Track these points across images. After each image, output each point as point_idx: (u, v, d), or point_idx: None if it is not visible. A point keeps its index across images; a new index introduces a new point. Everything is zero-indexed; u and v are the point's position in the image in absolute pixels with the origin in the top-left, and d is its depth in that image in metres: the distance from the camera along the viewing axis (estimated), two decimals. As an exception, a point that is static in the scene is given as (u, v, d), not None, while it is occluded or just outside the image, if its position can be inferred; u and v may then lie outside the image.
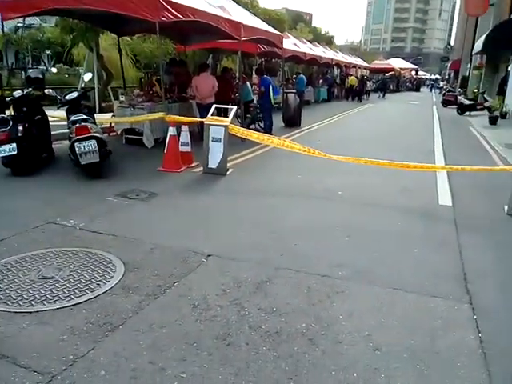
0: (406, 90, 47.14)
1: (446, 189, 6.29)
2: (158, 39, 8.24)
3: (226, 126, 6.51)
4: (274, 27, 12.93)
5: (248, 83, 12.13)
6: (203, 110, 8.20)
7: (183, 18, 7.08)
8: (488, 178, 6.64)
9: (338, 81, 28.32)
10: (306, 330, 2.76)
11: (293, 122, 12.54)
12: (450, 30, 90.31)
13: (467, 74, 30.67)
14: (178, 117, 7.17)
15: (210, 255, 3.79)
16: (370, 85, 30.35)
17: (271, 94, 10.62)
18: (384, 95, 32.18)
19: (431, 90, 51.03)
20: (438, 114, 19.40)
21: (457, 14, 62.61)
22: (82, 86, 7.07)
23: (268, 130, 10.59)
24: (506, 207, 5.26)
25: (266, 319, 2.86)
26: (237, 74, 12.90)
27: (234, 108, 7.40)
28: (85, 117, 6.19)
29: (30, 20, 21.54)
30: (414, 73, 54.32)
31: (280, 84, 15.95)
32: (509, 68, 17.77)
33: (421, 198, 5.88)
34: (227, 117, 7.03)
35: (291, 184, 6.38)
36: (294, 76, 20.49)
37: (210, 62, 16.58)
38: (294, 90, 14.53)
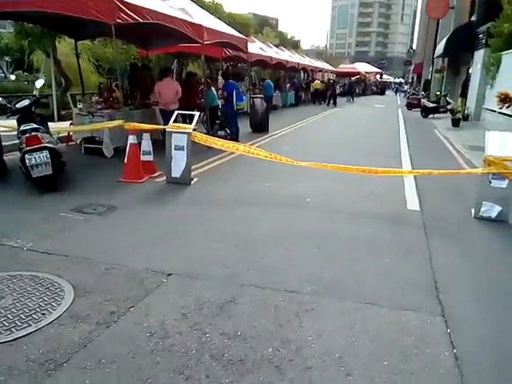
0: (371, 93, 48.19)
1: (413, 193, 6.25)
2: (115, 42, 7.89)
3: (188, 133, 6.25)
4: (239, 31, 12.79)
5: (213, 88, 11.89)
6: (167, 117, 7.90)
7: (141, 20, 6.79)
8: (454, 181, 6.66)
9: (303, 85, 28.48)
10: (272, 356, 2.54)
11: (260, 127, 12.38)
12: (412, 34, 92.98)
13: (429, 77, 31.50)
14: (137, 124, 6.85)
15: (170, 274, 3.52)
16: (337, 89, 30.72)
17: (234, 99, 10.39)
18: (353, 98, 32.66)
19: (396, 94, 52.25)
20: (403, 118, 19.73)
21: (418, 19, 64.63)
22: (36, 93, 6.64)
23: (234, 136, 10.38)
24: (472, 210, 5.24)
25: (229, 345, 2.63)
26: (202, 79, 12.65)
27: (197, 114, 7.14)
28: (35, 126, 5.80)
29: (-15, 25, 20.63)
30: (378, 76, 55.60)
31: (247, 89, 15.80)
32: (469, 70, 18.29)
33: (389, 203, 5.80)
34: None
35: (258, 192, 6.18)
36: (261, 82, 20.45)
37: (174, 66, 16.26)
38: (261, 95, 14.38)
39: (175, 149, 6.27)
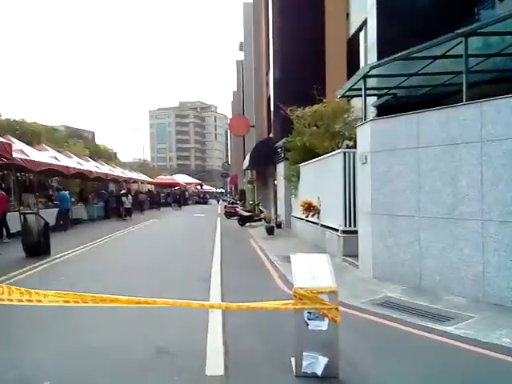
0: (194, 202, 49.07)
1: (218, 344, 4.43)
2: None
3: None
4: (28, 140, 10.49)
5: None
6: None
7: None
8: (269, 315, 5.12)
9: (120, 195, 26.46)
10: None
11: (37, 250, 9.56)
12: (227, 149, 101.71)
13: (244, 188, 33.42)
14: None
15: None
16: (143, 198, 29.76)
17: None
18: (180, 206, 35.19)
19: (218, 202, 54.31)
20: (220, 227, 19.05)
21: (230, 136, 71.73)
22: None
23: None
24: (293, 363, 3.74)
25: None
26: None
27: None
28: None
29: None
30: (199, 187, 57.72)
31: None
32: (275, 182, 19.21)
33: (181, 368, 3.89)
34: None
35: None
36: (56, 193, 17.80)
37: None
38: (35, 211, 11.71)
39: None
